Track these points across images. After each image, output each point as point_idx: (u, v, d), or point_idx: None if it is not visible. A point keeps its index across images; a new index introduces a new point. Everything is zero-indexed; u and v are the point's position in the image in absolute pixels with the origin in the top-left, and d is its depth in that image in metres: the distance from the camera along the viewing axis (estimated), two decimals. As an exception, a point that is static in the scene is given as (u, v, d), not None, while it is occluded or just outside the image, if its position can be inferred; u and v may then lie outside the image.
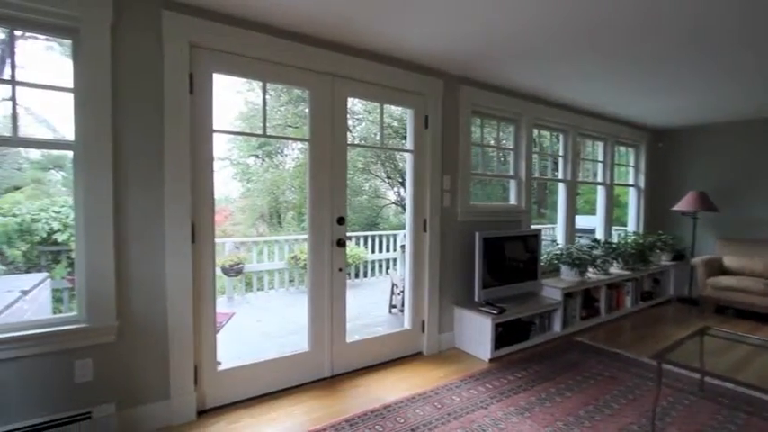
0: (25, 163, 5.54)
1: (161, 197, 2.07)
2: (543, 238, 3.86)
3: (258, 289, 5.71)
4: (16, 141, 1.97)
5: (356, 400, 2.43)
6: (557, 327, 3.56)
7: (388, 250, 6.74)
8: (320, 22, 2.29)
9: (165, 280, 2.09)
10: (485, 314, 3.05)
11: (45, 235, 4.31)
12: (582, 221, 5.27)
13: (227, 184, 9.52)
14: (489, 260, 3.25)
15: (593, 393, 2.55)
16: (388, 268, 6.64)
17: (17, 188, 5.15)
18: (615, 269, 4.33)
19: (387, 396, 2.48)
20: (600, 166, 4.77)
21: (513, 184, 3.84)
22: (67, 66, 1.89)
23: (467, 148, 3.32)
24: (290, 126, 8.87)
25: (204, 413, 2.24)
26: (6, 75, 1.81)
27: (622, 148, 5.13)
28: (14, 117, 1.83)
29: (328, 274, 2.69)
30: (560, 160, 4.33)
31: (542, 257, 3.77)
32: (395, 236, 6.82)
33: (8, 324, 1.84)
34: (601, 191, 4.82)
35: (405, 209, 3.52)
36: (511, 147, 3.85)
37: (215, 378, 2.31)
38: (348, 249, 2.93)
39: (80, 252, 1.90)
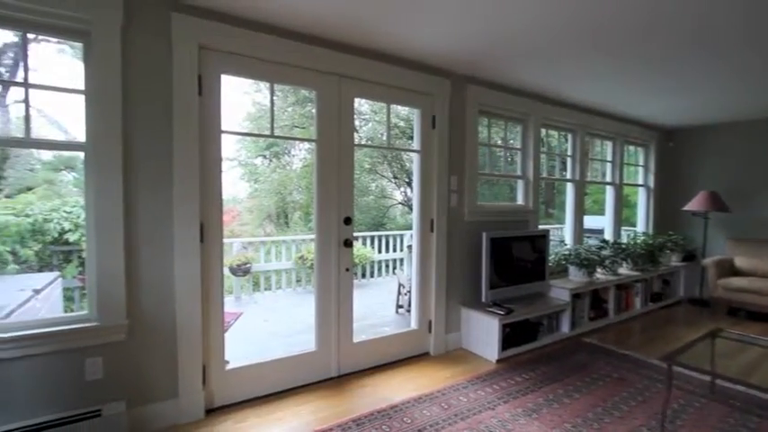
0: (37, 164, 5.63)
1: (170, 198, 2.09)
2: (551, 238, 3.83)
3: (265, 289, 5.75)
4: (29, 143, 2.00)
5: (363, 400, 2.43)
6: (565, 328, 3.53)
7: (394, 250, 6.74)
8: (328, 23, 2.30)
9: (173, 279, 2.11)
10: (492, 315, 3.03)
11: (56, 235, 4.38)
12: (590, 222, 5.22)
13: (235, 185, 9.60)
14: (496, 260, 3.23)
15: (602, 395, 2.53)
16: (394, 268, 6.64)
17: (30, 189, 5.24)
18: (624, 270, 4.28)
19: (394, 396, 2.48)
20: (609, 165, 4.73)
21: (520, 184, 3.82)
22: (79, 68, 1.91)
23: (474, 148, 3.31)
24: (297, 127, 8.91)
25: (212, 412, 2.26)
26: (19, 77, 1.84)
27: (632, 148, 5.07)
28: (27, 119, 1.86)
29: (335, 274, 2.70)
30: (568, 160, 4.30)
31: (550, 258, 3.74)
32: (402, 236, 6.82)
33: (21, 322, 1.87)
34: (610, 191, 4.77)
35: (411, 209, 3.52)
36: (518, 146, 3.82)
37: (223, 377, 2.32)
38: (355, 249, 2.94)
39: (91, 252, 1.93)
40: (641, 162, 5.20)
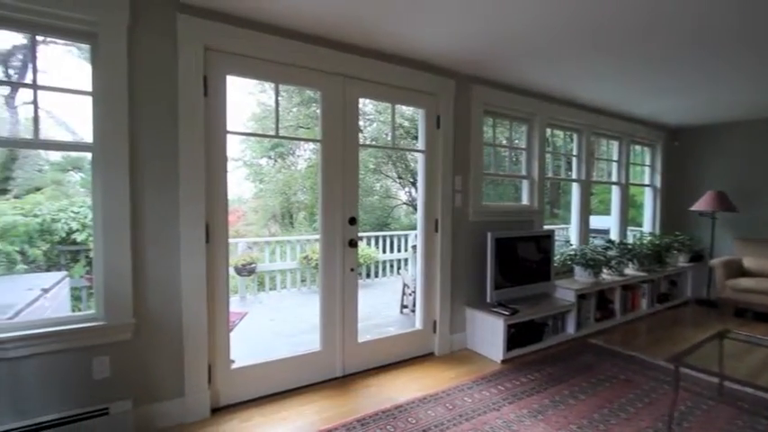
0: (46, 164, 5.69)
1: (176, 198, 2.10)
2: (556, 238, 3.81)
3: (270, 288, 5.77)
4: (38, 143, 2.02)
5: (367, 401, 2.43)
6: (570, 328, 3.51)
7: (399, 250, 6.74)
8: (332, 24, 2.31)
9: (179, 279, 2.13)
10: (497, 315, 3.02)
11: (64, 235, 4.42)
12: (596, 222, 5.19)
13: (240, 185, 9.64)
14: (501, 261, 3.22)
15: (608, 396, 2.51)
16: (399, 268, 6.63)
17: (38, 189, 5.30)
18: (630, 270, 4.25)
19: (398, 396, 2.48)
20: (615, 165, 4.69)
21: (525, 184, 3.80)
22: (86, 69, 1.93)
23: (479, 148, 3.30)
24: (301, 127, 8.93)
25: (217, 411, 2.27)
26: (28, 79, 1.86)
27: (638, 147, 5.04)
28: (36, 120, 1.88)
29: (340, 274, 2.70)
30: (574, 160, 4.28)
31: (555, 258, 3.73)
32: (406, 236, 6.82)
33: (30, 321, 1.89)
34: (615, 191, 4.74)
35: (416, 209, 3.52)
36: (523, 146, 3.81)
37: (228, 376, 2.33)
38: (359, 250, 2.94)
39: (98, 251, 1.95)
40: (648, 162, 5.16)
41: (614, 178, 4.70)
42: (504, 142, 3.82)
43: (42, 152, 5.55)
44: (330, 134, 2.62)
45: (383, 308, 4.97)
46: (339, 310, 2.71)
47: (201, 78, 2.13)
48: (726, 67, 2.92)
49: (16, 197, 5.03)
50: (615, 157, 4.68)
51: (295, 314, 4.87)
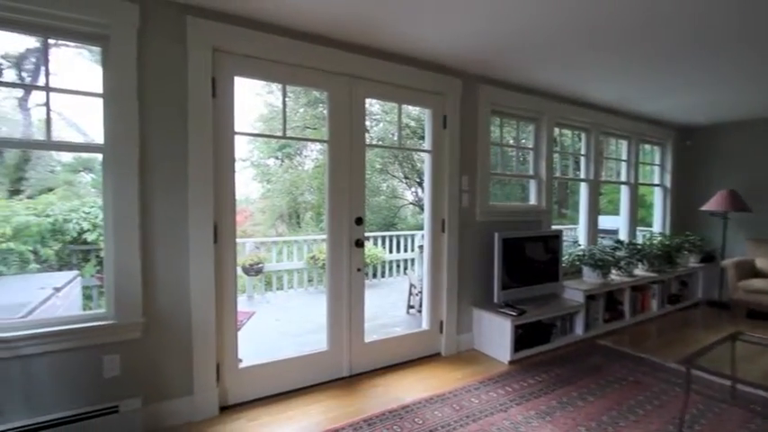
0: (57, 165, 5.78)
1: (185, 199, 2.12)
2: (565, 238, 3.78)
3: (278, 288, 5.80)
4: (50, 145, 2.06)
5: (374, 401, 2.44)
6: (579, 329, 3.48)
7: (405, 250, 6.74)
8: (339, 24, 2.31)
9: (188, 279, 2.15)
10: (504, 316, 3.01)
11: (75, 234, 4.49)
12: (605, 222, 5.14)
13: (247, 185, 9.70)
14: (509, 261, 3.21)
15: (617, 398, 2.49)
16: (405, 268, 6.63)
17: (50, 190, 5.38)
18: (640, 271, 4.20)
19: (405, 396, 2.48)
20: (624, 164, 4.64)
21: (533, 184, 3.78)
22: (97, 71, 1.96)
23: (486, 148, 3.28)
24: (308, 127, 8.97)
25: (225, 409, 2.29)
26: (41, 81, 1.90)
27: (647, 147, 4.98)
28: (48, 122, 1.92)
29: (347, 274, 2.71)
30: (582, 159, 4.24)
31: (564, 258, 3.70)
32: (413, 236, 6.81)
33: (42, 320, 1.93)
34: (625, 190, 4.69)
35: (423, 209, 3.51)
36: (531, 146, 3.79)
37: (236, 375, 2.35)
38: (366, 249, 2.94)
39: (109, 251, 1.97)
40: (657, 161, 5.10)
41: (623, 178, 4.65)
42: (512, 142, 3.80)
43: (54, 153, 5.64)
44: (337, 134, 2.63)
45: (390, 308, 4.97)
46: (346, 310, 2.72)
47: (210, 80, 2.15)
48: (727, 67, 2.90)
49: (29, 197, 5.12)
50: (624, 157, 4.63)
51: (302, 314, 4.89)
